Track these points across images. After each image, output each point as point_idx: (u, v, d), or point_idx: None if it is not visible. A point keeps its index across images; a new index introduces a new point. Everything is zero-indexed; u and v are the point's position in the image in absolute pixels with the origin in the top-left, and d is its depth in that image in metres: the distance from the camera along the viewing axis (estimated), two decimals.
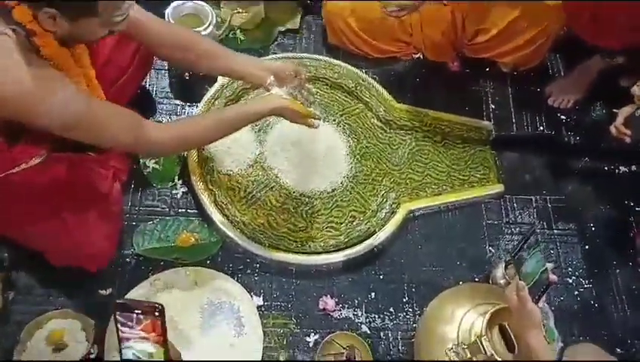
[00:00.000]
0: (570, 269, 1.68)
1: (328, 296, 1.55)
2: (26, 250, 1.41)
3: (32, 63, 1.06)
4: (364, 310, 1.55)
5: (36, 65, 1.06)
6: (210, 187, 1.60)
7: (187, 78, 1.81)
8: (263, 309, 1.51)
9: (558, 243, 1.72)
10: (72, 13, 1.06)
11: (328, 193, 1.65)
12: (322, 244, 1.58)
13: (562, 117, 1.95)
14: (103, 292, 1.48)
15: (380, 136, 1.77)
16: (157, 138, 1.25)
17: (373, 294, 1.58)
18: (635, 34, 1.63)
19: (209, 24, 1.68)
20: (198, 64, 1.45)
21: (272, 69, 1.43)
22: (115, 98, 1.42)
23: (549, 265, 1.40)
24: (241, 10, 1.87)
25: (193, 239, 1.55)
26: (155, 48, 1.43)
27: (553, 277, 1.41)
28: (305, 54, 1.87)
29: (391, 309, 1.57)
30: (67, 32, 1.09)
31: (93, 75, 1.25)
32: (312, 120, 1.41)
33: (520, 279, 1.17)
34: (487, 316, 1.22)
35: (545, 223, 1.74)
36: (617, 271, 1.69)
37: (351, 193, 1.66)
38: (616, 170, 1.89)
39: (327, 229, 1.61)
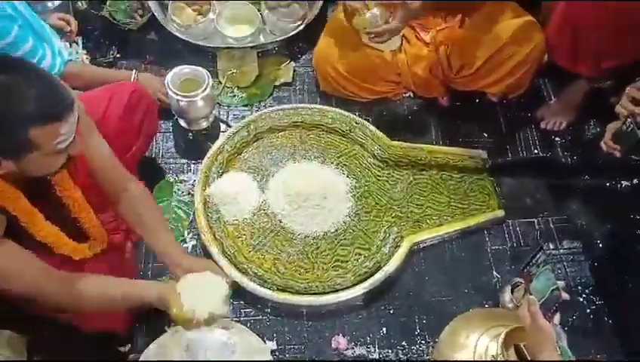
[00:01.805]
0: (580, 287, 1.68)
1: (340, 334, 1.58)
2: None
3: None
4: (376, 346, 1.57)
5: None
6: (218, 237, 1.66)
7: (191, 138, 1.92)
8: (277, 353, 1.54)
9: (565, 263, 1.73)
10: (10, 154, 1.03)
11: (332, 233, 1.70)
12: (330, 284, 1.62)
13: (557, 139, 1.99)
14: (122, 348, 1.53)
15: (378, 173, 1.83)
16: (53, 293, 1.18)
17: (384, 329, 1.60)
18: (607, 60, 1.70)
19: (206, 86, 1.79)
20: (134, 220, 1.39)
21: (186, 270, 1.27)
22: (126, 163, 1.52)
23: (560, 283, 1.42)
24: (235, 71, 1.99)
25: None
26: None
27: (565, 295, 1.43)
28: (299, 105, 1.97)
29: (403, 343, 1.58)
30: (18, 171, 1.07)
31: (78, 195, 1.27)
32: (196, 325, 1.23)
33: (530, 295, 1.19)
34: (502, 336, 1.22)
35: (550, 244, 1.76)
36: (629, 285, 1.68)
37: (354, 231, 1.71)
38: (618, 185, 1.90)
39: (334, 268, 1.65)
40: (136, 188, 1.39)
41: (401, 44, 1.94)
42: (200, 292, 1.21)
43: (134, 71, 1.84)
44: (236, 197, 1.72)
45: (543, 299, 1.32)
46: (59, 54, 1.67)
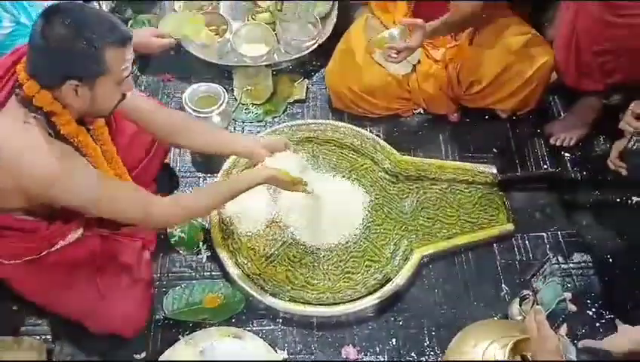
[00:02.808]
0: (589, 301, 1.69)
1: (350, 345, 1.60)
2: (66, 320, 1.53)
3: (52, 147, 1.19)
4: (386, 357, 1.59)
5: (56, 149, 1.19)
6: (232, 249, 1.71)
7: None
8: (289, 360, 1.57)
9: (574, 277, 1.74)
10: (89, 76, 1.18)
11: (343, 245, 1.74)
12: (340, 295, 1.65)
13: (566, 154, 2.01)
14: (137, 356, 1.57)
15: (388, 187, 1.87)
16: (162, 212, 1.39)
17: (394, 340, 1.62)
18: (613, 77, 1.73)
19: (222, 103, 1.86)
20: (199, 143, 1.62)
21: (268, 146, 1.62)
22: (140, 176, 1.59)
23: (567, 295, 1.43)
24: (250, 88, 2.06)
25: (219, 300, 1.65)
26: (156, 133, 1.58)
27: (572, 307, 1.44)
28: (312, 120, 2.02)
29: (413, 354, 1.60)
30: (89, 103, 1.22)
31: (114, 151, 1.40)
32: (304, 186, 1.56)
33: (537, 305, 1.21)
34: (509, 346, 1.25)
35: (559, 257, 1.77)
36: (639, 300, 1.68)
37: (364, 243, 1.75)
38: (629, 201, 1.91)
39: (345, 280, 1.69)
40: (179, 116, 1.62)
41: (413, 70, 1.99)
42: (288, 163, 1.59)
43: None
44: (250, 210, 1.77)
45: (550, 310, 1.34)
46: None
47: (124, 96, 1.28)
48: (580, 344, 1.45)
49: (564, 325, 1.38)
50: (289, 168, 1.56)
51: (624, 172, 1.60)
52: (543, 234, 1.83)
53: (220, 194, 1.50)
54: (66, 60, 1.15)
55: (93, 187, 1.25)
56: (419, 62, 1.99)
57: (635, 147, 1.52)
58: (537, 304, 1.29)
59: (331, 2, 2.25)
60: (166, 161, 1.86)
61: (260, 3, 2.25)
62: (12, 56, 1.28)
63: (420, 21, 1.73)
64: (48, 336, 1.57)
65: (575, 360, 1.52)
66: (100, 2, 2.22)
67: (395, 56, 1.76)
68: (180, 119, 1.59)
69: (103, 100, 1.24)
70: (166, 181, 1.85)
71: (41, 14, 1.15)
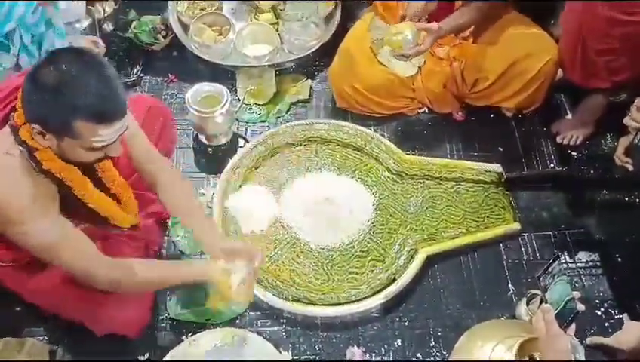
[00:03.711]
0: (597, 301, 1.66)
1: (355, 345, 1.59)
2: (70, 322, 1.52)
3: (26, 184, 1.15)
4: (391, 357, 1.58)
5: (29, 187, 1.16)
6: None
7: (210, 153, 1.98)
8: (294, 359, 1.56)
9: (582, 276, 1.72)
10: (53, 132, 1.11)
11: (347, 245, 1.73)
12: (345, 295, 1.63)
13: (573, 153, 1.99)
14: (141, 357, 1.56)
15: (393, 187, 1.85)
16: (105, 279, 1.29)
17: (399, 341, 1.60)
18: (619, 74, 1.71)
19: (225, 103, 1.85)
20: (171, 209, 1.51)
21: (230, 252, 1.41)
22: (141, 179, 1.58)
23: (576, 294, 1.41)
24: (254, 88, 2.05)
25: (222, 300, 1.63)
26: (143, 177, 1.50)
27: (580, 306, 1.42)
28: (316, 120, 2.01)
29: (418, 354, 1.58)
30: (58, 150, 1.16)
31: (116, 174, 1.36)
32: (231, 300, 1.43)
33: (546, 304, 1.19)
34: (517, 346, 1.23)
35: (567, 256, 1.75)
36: None
37: (369, 243, 1.73)
38: (637, 199, 1.89)
39: (349, 280, 1.67)
40: (169, 177, 1.49)
41: (417, 72, 1.98)
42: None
43: None
44: (253, 209, 1.76)
45: (558, 310, 1.31)
46: None
47: (107, 155, 1.22)
48: (588, 340, 1.44)
49: (573, 325, 1.36)
50: (237, 279, 1.39)
51: (630, 167, 1.59)
52: (550, 233, 1.81)
53: (163, 280, 1.42)
54: (37, 105, 1.10)
55: (48, 240, 1.20)
56: (424, 63, 1.98)
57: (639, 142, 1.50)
58: (545, 303, 1.27)
59: (334, 2, 2.24)
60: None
61: (260, 4, 2.25)
62: (22, 77, 1.23)
63: (435, 26, 1.74)
64: (51, 337, 1.57)
65: (584, 360, 1.51)
66: (104, 4, 2.24)
67: (405, 58, 1.78)
68: (176, 194, 1.49)
69: (72, 156, 1.18)
70: None
71: (51, 52, 1.14)
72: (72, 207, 1.29)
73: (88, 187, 1.30)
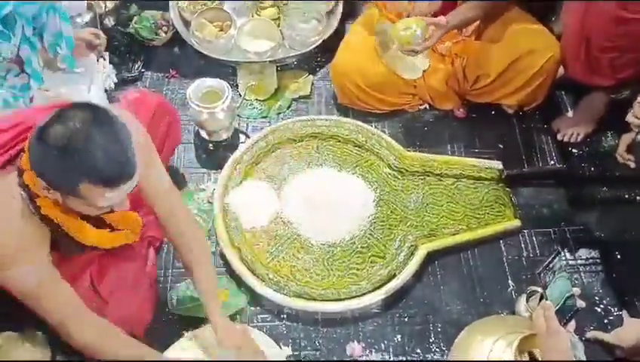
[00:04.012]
0: (597, 298, 1.67)
1: (355, 341, 1.59)
2: None
3: (19, 229, 1.14)
4: (391, 353, 1.58)
5: (21, 232, 1.14)
6: (236, 245, 1.70)
7: (211, 148, 1.98)
8: (292, 359, 1.56)
9: (582, 273, 1.72)
10: (58, 188, 1.10)
11: (347, 241, 1.73)
12: (345, 291, 1.64)
13: (574, 150, 1.98)
14: None
15: (394, 183, 1.85)
16: (79, 337, 1.25)
17: (399, 337, 1.61)
18: (622, 72, 1.71)
19: (226, 98, 1.85)
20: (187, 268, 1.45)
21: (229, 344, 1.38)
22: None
23: (576, 290, 1.42)
24: (255, 84, 2.05)
25: (223, 295, 1.64)
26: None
27: (580, 303, 1.42)
28: (317, 116, 2.01)
29: (418, 350, 1.59)
30: (63, 203, 1.14)
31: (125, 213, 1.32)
32: None
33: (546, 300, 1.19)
34: (516, 342, 1.24)
35: (567, 253, 1.75)
36: None
37: (369, 239, 1.73)
38: (637, 197, 1.88)
39: (349, 276, 1.67)
40: (194, 238, 1.42)
41: (422, 76, 1.99)
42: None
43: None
44: (254, 205, 1.77)
45: (558, 306, 1.32)
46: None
47: (112, 209, 1.19)
48: (588, 334, 1.44)
49: (573, 321, 1.37)
50: None
51: (632, 164, 1.59)
52: (550, 230, 1.81)
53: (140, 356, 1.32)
54: (43, 163, 1.08)
55: (29, 288, 1.19)
56: (429, 67, 1.98)
57: None
58: (545, 299, 1.27)
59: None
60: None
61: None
62: (42, 113, 1.17)
63: (443, 20, 1.74)
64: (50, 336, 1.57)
65: (583, 357, 1.51)
66: (106, 1, 2.23)
67: (413, 53, 1.79)
68: (193, 250, 1.43)
69: (77, 210, 1.17)
70: (171, 176, 1.84)
71: (61, 108, 1.09)
72: (67, 241, 1.27)
73: (86, 230, 1.27)
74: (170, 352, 1.52)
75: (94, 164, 1.05)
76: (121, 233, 1.37)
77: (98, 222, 1.31)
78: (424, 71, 1.98)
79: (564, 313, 1.34)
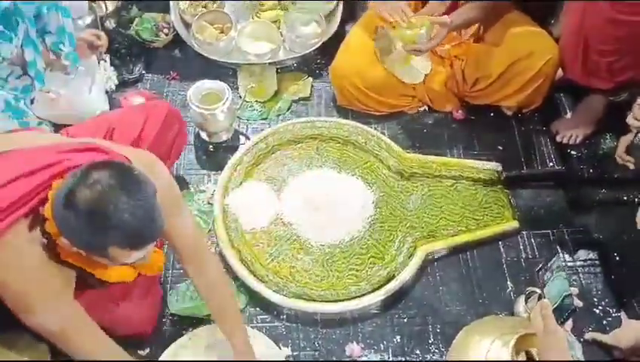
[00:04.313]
0: (595, 299, 1.67)
1: (354, 342, 1.60)
2: None
3: (41, 275, 1.14)
4: (390, 354, 1.59)
5: (44, 278, 1.14)
6: (236, 246, 1.71)
7: (211, 150, 1.99)
8: (291, 359, 1.57)
9: (581, 274, 1.72)
10: (85, 247, 1.09)
11: (347, 242, 1.74)
12: (344, 291, 1.64)
13: (572, 152, 1.99)
14: (141, 352, 1.57)
15: (393, 185, 1.86)
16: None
17: (398, 337, 1.61)
18: (620, 74, 1.72)
19: (226, 100, 1.86)
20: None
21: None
22: None
23: (573, 290, 1.43)
24: (255, 86, 2.06)
25: None
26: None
27: (578, 302, 1.43)
28: (316, 118, 2.02)
29: (417, 351, 1.59)
30: (87, 256, 1.14)
31: None
32: None
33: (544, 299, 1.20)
34: (513, 341, 1.24)
35: (566, 255, 1.76)
36: None
37: (369, 240, 1.74)
38: (636, 199, 1.89)
39: (349, 277, 1.68)
40: (213, 274, 1.41)
41: (424, 80, 2.00)
42: None
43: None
44: (254, 206, 1.77)
45: (556, 305, 1.32)
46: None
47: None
48: (587, 336, 1.45)
49: (570, 321, 1.37)
50: None
51: (631, 166, 1.60)
52: (549, 231, 1.82)
53: None
54: (68, 226, 1.07)
55: (53, 328, 1.20)
56: (431, 70, 1.98)
57: None
58: (544, 298, 1.28)
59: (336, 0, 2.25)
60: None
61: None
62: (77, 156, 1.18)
63: (447, 20, 1.75)
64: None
65: (581, 357, 1.52)
66: (107, 3, 2.24)
67: (417, 53, 1.81)
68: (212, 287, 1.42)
69: (101, 262, 1.16)
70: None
71: (88, 166, 1.07)
72: (92, 279, 1.27)
73: (109, 271, 1.25)
74: (170, 350, 1.53)
75: (123, 230, 1.04)
76: (146, 265, 1.35)
77: None
78: (426, 75, 1.99)
79: (562, 312, 1.35)
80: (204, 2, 2.27)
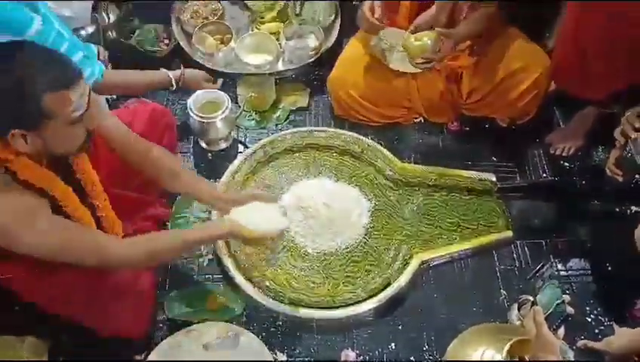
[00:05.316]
0: (588, 308, 1.69)
1: (349, 349, 1.61)
2: (69, 322, 1.50)
3: (10, 197, 1.14)
4: (385, 360, 1.60)
5: (14, 199, 1.15)
6: (233, 253, 1.73)
7: (210, 158, 2.01)
8: None
9: (573, 284, 1.75)
10: (29, 125, 1.10)
11: (343, 250, 1.76)
12: (340, 299, 1.66)
13: (565, 164, 2.03)
14: (138, 357, 1.58)
15: (389, 194, 1.89)
16: (119, 257, 1.30)
17: (393, 344, 1.63)
18: (614, 85, 1.75)
19: (225, 109, 1.89)
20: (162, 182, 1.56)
21: (234, 202, 1.54)
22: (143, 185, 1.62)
23: (566, 297, 1.45)
24: (254, 95, 2.10)
25: (219, 301, 1.66)
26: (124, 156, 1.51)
27: (570, 309, 1.45)
28: (314, 127, 2.06)
29: (412, 358, 1.61)
30: (44, 147, 1.15)
31: (96, 180, 1.37)
32: (271, 244, 1.56)
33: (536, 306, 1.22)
34: (507, 347, 1.26)
35: (558, 265, 1.78)
36: (637, 307, 1.69)
37: (365, 248, 1.76)
38: (628, 210, 1.92)
39: (345, 284, 1.70)
40: (159, 150, 1.53)
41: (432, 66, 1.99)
42: (257, 215, 1.48)
43: (181, 67, 1.92)
44: (251, 213, 1.78)
45: (548, 312, 1.35)
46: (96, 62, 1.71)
47: (89, 132, 1.22)
48: (579, 344, 1.47)
49: (562, 328, 1.40)
50: (257, 222, 1.46)
51: (620, 178, 1.63)
52: (542, 241, 1.84)
53: (187, 243, 1.41)
54: (4, 111, 1.09)
55: (45, 236, 1.20)
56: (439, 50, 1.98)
57: (629, 155, 1.55)
58: (536, 305, 1.30)
59: (334, 13, 2.29)
60: None
61: (263, 14, 2.30)
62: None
63: (454, 31, 1.78)
64: (50, 337, 1.59)
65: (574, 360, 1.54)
66: (109, 14, 2.28)
67: (427, 65, 1.84)
68: (154, 155, 1.52)
69: (58, 143, 1.17)
70: None
71: None
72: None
73: (68, 194, 1.28)
74: (164, 345, 1.53)
75: (41, 74, 1.08)
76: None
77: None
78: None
79: (555, 319, 1.37)
80: (204, 14, 2.31)
